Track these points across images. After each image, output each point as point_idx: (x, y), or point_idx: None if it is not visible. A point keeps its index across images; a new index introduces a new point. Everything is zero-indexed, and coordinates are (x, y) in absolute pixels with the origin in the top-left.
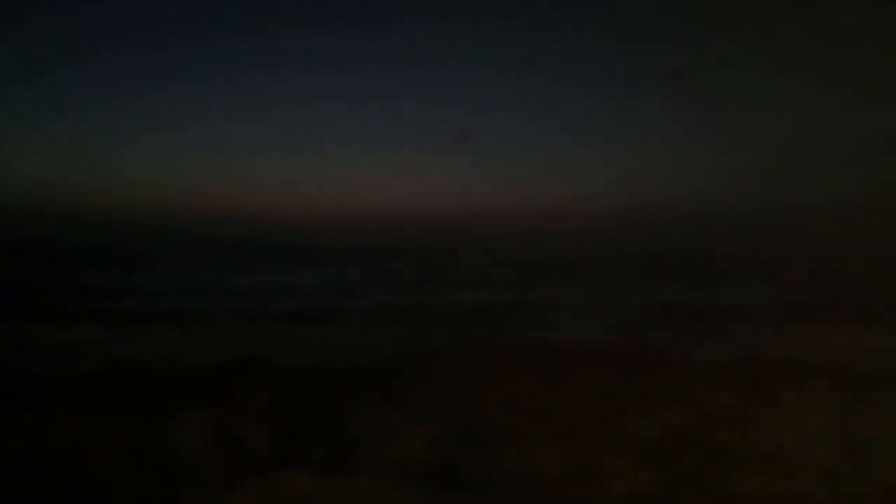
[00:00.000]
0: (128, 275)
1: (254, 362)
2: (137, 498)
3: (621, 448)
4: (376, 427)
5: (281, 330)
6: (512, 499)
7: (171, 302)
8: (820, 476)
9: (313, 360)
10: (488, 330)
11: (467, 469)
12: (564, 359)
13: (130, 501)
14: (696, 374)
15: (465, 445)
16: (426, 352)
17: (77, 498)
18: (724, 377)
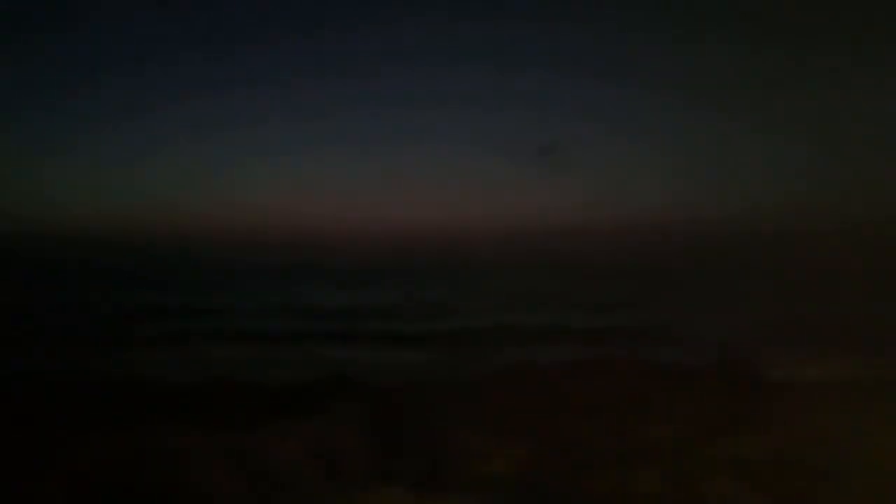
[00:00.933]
0: (197, 295)
1: (348, 379)
2: None
3: (720, 470)
4: (469, 444)
5: (371, 350)
6: None
7: (255, 321)
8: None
9: (406, 377)
10: (583, 349)
11: (559, 489)
12: (660, 378)
13: None
14: (796, 395)
15: (557, 465)
16: (518, 370)
17: None
18: (823, 397)
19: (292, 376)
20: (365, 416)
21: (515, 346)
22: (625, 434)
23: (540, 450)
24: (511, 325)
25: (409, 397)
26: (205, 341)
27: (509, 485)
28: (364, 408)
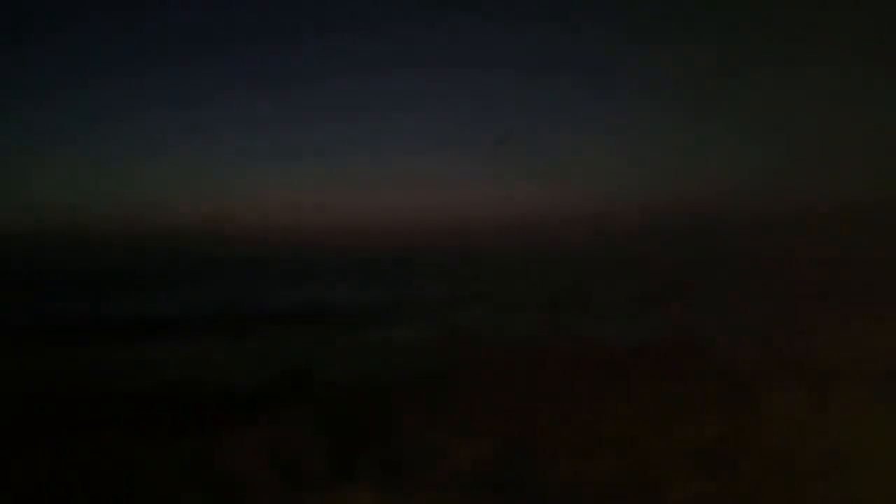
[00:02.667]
0: (166, 295)
1: (308, 377)
2: None
3: (675, 455)
4: (428, 440)
5: (332, 346)
6: None
7: (216, 321)
8: (879, 479)
9: (364, 372)
10: (535, 338)
11: (520, 481)
12: (614, 364)
13: None
14: (746, 376)
15: (516, 457)
16: (473, 362)
17: None
18: (776, 378)
19: (251, 376)
20: (325, 415)
21: (473, 341)
22: (584, 422)
23: (501, 443)
24: (465, 319)
25: (370, 394)
26: (160, 343)
27: (471, 479)
28: (324, 407)
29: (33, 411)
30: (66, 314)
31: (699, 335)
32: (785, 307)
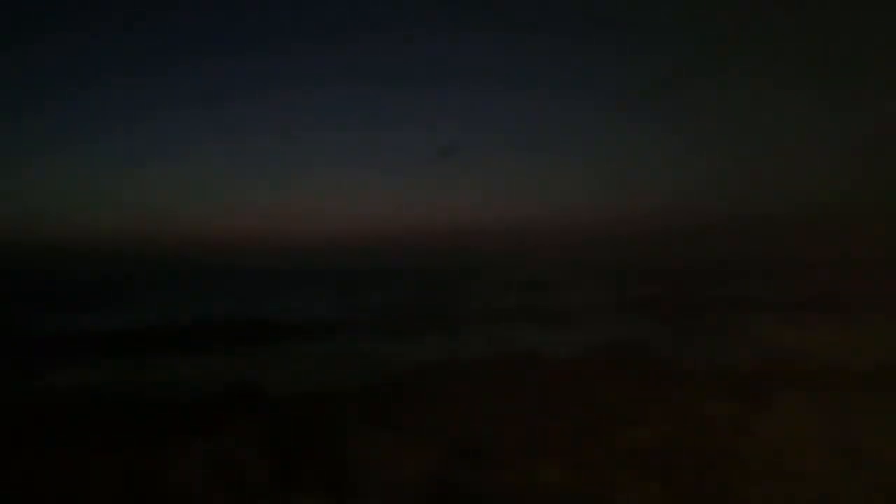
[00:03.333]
0: (132, 305)
1: (251, 390)
2: None
3: (620, 460)
4: (374, 449)
5: (278, 359)
6: None
7: (166, 332)
8: (819, 480)
9: (309, 383)
10: (482, 344)
11: (467, 488)
12: (561, 369)
13: None
14: (691, 381)
15: (463, 464)
16: (420, 370)
17: None
18: (718, 383)
19: (195, 390)
20: (269, 427)
21: (415, 349)
22: (527, 427)
23: (446, 449)
24: (406, 328)
25: (311, 404)
26: (104, 356)
27: (415, 487)
28: (267, 419)
29: None
30: (14, 327)
31: (646, 342)
32: (729, 314)
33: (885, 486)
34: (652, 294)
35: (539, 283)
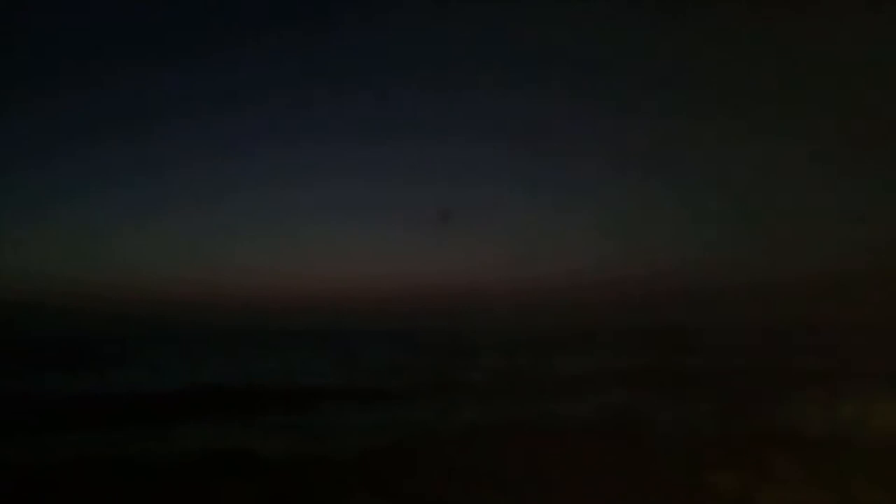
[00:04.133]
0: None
1: (245, 456)
2: None
3: None
4: None
5: (268, 425)
6: None
7: (155, 397)
8: None
9: (306, 449)
10: (479, 412)
11: None
12: (560, 438)
13: None
14: (693, 453)
15: None
16: (420, 436)
17: None
18: (719, 454)
19: (186, 456)
20: (266, 495)
21: (414, 414)
22: (524, 499)
23: None
24: (405, 392)
25: (312, 473)
26: (91, 423)
27: None
28: (264, 487)
29: None
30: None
31: (650, 412)
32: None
33: None
34: (659, 361)
35: (539, 346)
